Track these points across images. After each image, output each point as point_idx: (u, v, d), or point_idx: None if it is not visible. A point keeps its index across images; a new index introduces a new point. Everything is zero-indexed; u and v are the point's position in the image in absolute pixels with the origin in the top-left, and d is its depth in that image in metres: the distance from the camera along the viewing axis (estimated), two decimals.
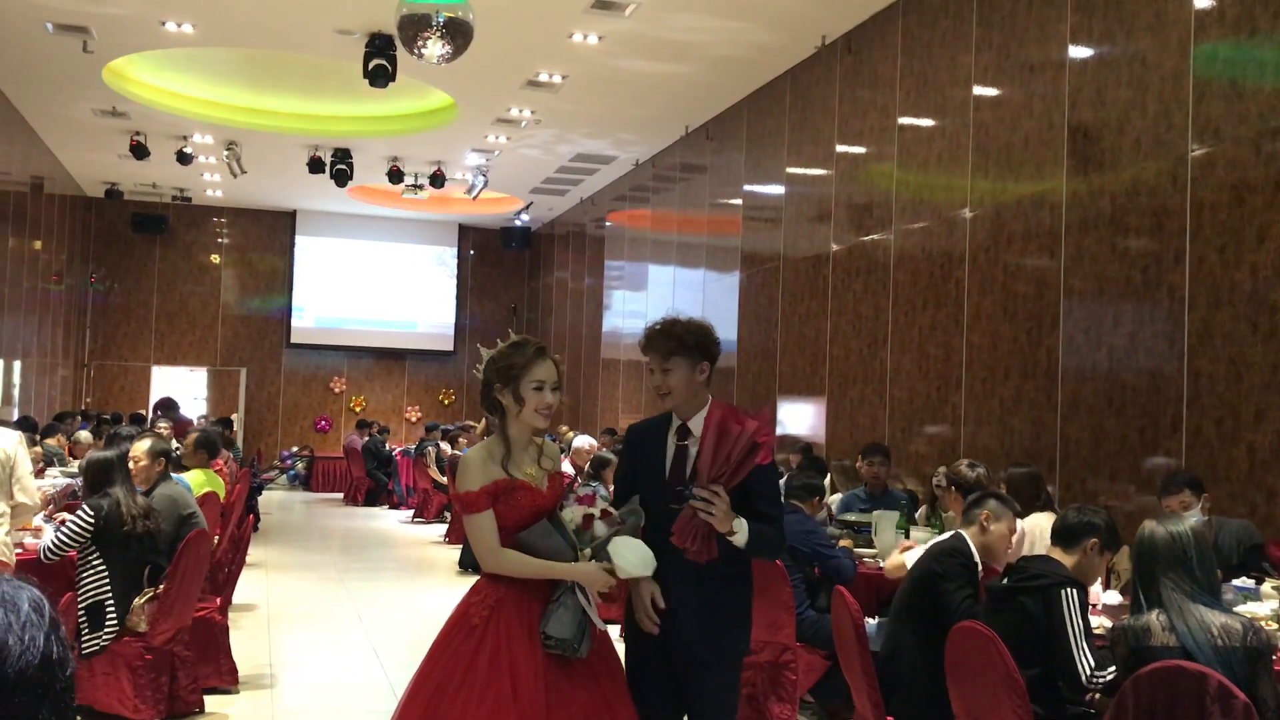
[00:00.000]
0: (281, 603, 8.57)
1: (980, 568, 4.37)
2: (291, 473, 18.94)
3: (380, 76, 9.55)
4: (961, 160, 7.67)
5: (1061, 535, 3.87)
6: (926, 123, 8.15)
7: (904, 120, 8.42)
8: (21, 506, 5.05)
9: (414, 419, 19.83)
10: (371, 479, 16.72)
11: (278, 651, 6.97)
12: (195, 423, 12.97)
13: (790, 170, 10.25)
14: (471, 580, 3.33)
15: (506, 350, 3.32)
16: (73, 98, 12.18)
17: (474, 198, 15.49)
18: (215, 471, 7.82)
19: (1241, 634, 3.23)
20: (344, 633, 7.64)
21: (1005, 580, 3.88)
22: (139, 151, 13.61)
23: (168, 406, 12.85)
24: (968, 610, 4.02)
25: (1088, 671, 3.51)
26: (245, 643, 6.93)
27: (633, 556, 3.12)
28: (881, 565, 5.86)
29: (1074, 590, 3.65)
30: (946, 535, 4.56)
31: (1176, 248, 5.84)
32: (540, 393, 3.26)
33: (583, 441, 9.79)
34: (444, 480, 13.78)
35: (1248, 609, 3.95)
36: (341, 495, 17.56)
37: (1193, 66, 5.80)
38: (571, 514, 3.23)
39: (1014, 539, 4.55)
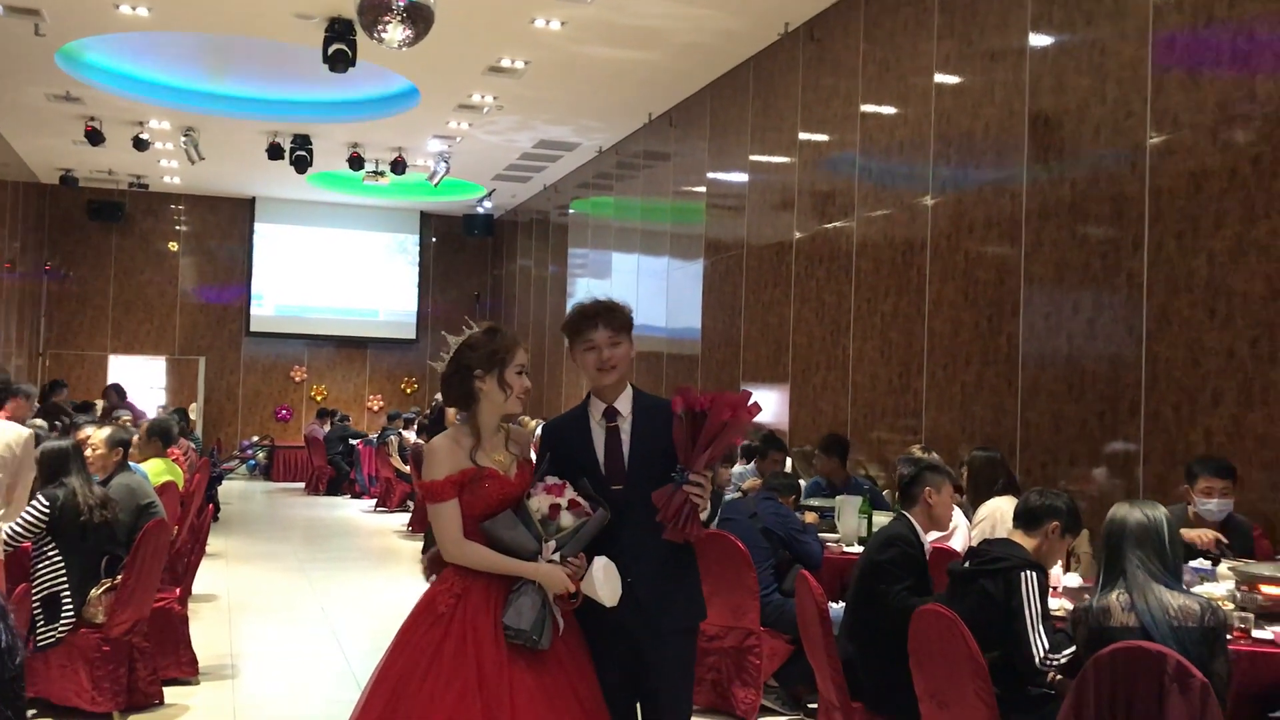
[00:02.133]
0: (242, 593, 8.50)
1: (928, 546, 4.41)
2: (252, 462, 18.77)
3: (340, 61, 9.44)
4: (923, 148, 7.70)
5: (1023, 518, 3.90)
6: (889, 110, 8.18)
7: (866, 108, 8.44)
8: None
9: (376, 408, 19.70)
10: (334, 466, 16.60)
11: (239, 642, 6.91)
12: (145, 413, 12.82)
13: (754, 158, 10.25)
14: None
15: (483, 337, 3.30)
16: (25, 82, 11.95)
17: (435, 184, 15.38)
18: (173, 461, 7.72)
19: (1199, 614, 3.27)
20: (306, 623, 7.58)
21: (966, 563, 3.91)
22: (94, 137, 13.38)
23: (119, 393, 12.67)
24: (903, 602, 4.06)
25: (1041, 653, 3.55)
26: (206, 633, 6.86)
27: (609, 587, 3.11)
28: (845, 549, 5.91)
29: (1034, 573, 3.68)
30: (890, 520, 4.60)
31: (1135, 235, 5.90)
32: (521, 377, 3.30)
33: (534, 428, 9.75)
34: (406, 469, 13.71)
35: (1204, 589, 4.00)
36: (303, 485, 17.43)
37: (1151, 55, 5.85)
38: (538, 503, 3.20)
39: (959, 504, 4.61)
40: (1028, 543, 3.83)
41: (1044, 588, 3.69)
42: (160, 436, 7.58)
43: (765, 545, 5.61)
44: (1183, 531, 4.62)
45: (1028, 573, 3.67)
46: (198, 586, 8.20)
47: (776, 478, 6.19)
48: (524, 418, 11.21)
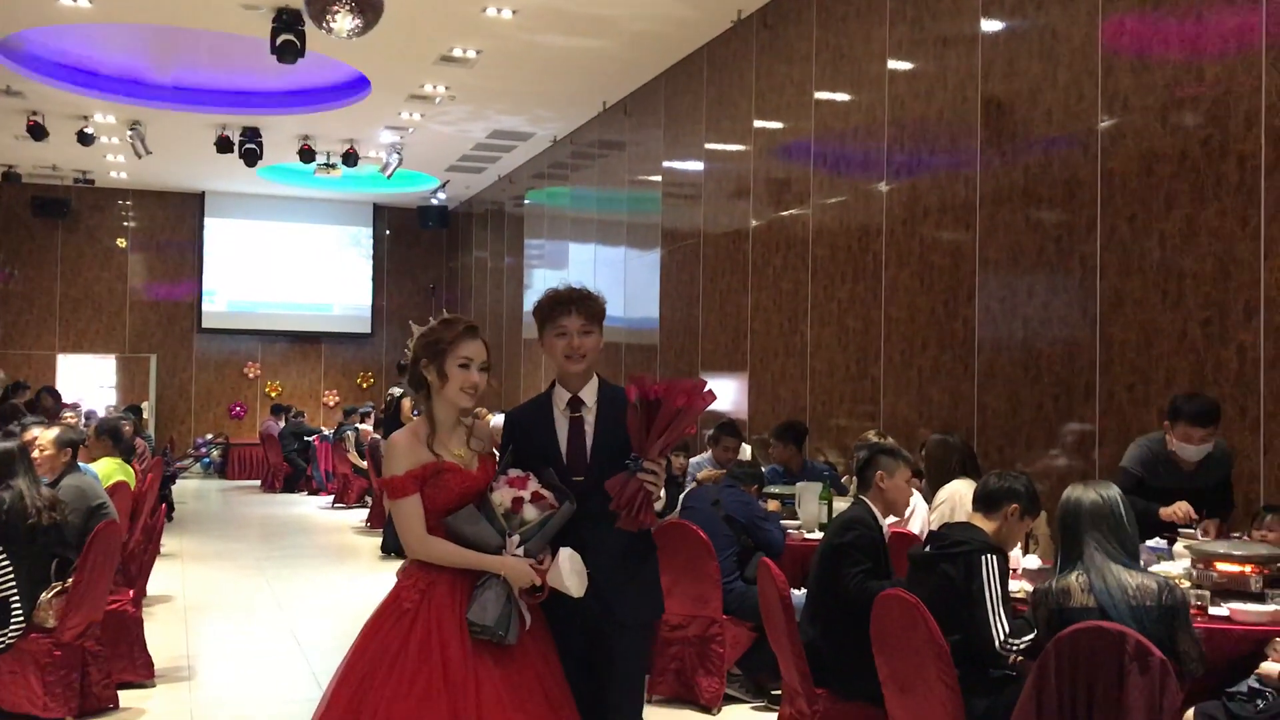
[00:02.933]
0: (198, 593, 8.38)
1: (886, 529, 4.43)
2: (206, 460, 18.53)
3: (289, 53, 9.31)
4: (878, 134, 7.72)
5: (982, 501, 3.91)
6: (843, 97, 8.19)
7: (820, 95, 8.45)
8: None
9: (332, 403, 19.51)
10: (290, 464, 16.43)
11: (195, 643, 6.81)
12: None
13: (709, 146, 10.24)
14: (394, 565, 3.26)
15: (436, 327, 3.26)
16: None
17: (388, 176, 15.24)
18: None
19: (1157, 593, 3.30)
20: (264, 621, 7.49)
21: (927, 548, 3.92)
22: (37, 132, 13.12)
23: (54, 395, 12.42)
24: (859, 585, 4.07)
25: (1001, 637, 3.56)
26: (161, 635, 6.76)
27: (576, 578, 3.08)
28: (806, 536, 5.92)
29: (993, 557, 3.69)
30: (849, 504, 4.61)
31: (1088, 218, 5.94)
32: (466, 370, 3.19)
33: (499, 420, 9.68)
34: (364, 464, 13.59)
35: (1161, 568, 4.04)
36: (259, 482, 17.24)
37: (1101, 38, 5.89)
38: (501, 497, 3.16)
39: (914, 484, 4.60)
40: (987, 525, 3.85)
41: (1004, 571, 3.71)
42: (110, 435, 7.45)
43: (728, 533, 5.61)
44: (1161, 511, 4.65)
45: (988, 556, 3.68)
46: (153, 588, 8.07)
47: (740, 466, 6.19)
48: (480, 410, 11.16)
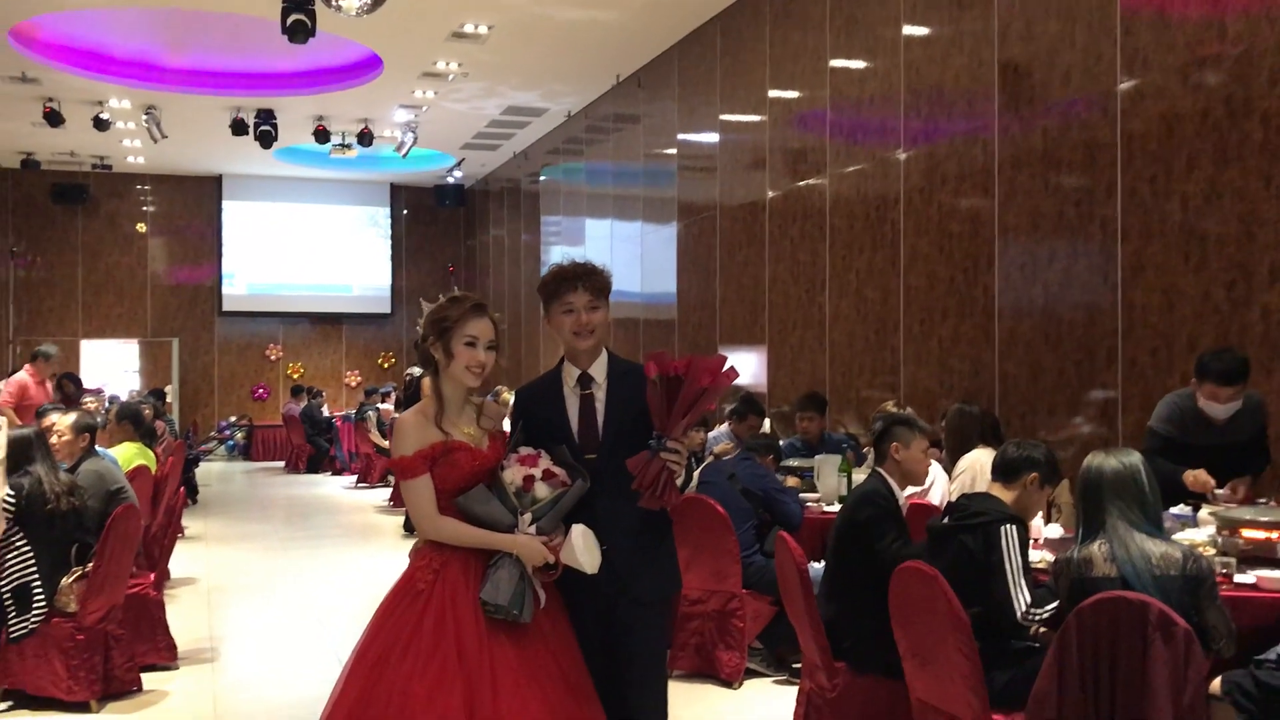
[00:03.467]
0: (222, 575, 8.42)
1: (904, 500, 4.37)
2: (230, 443, 18.64)
3: (299, 32, 9.24)
4: (894, 101, 7.61)
5: (1001, 470, 3.85)
6: (858, 64, 8.08)
7: (835, 63, 8.34)
8: None
9: (354, 383, 19.57)
10: (312, 445, 16.50)
11: (218, 625, 6.84)
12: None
13: (724, 117, 10.14)
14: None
15: (443, 304, 3.22)
16: None
17: (404, 155, 15.20)
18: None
19: (1181, 562, 3.24)
20: (287, 603, 7.52)
21: (946, 519, 3.87)
22: (53, 119, 13.15)
23: (75, 383, 12.50)
24: (899, 553, 4.01)
25: (1022, 608, 3.51)
26: (184, 617, 6.80)
27: (589, 554, 3.04)
28: (825, 509, 5.88)
29: (1013, 527, 3.64)
30: (865, 477, 4.55)
31: (1108, 181, 5.84)
32: (472, 349, 3.15)
33: (508, 397, 9.67)
34: (386, 445, 13.63)
35: (1185, 536, 3.98)
36: (283, 463, 17.33)
37: None
38: (512, 475, 3.12)
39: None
40: (1006, 495, 3.79)
41: (1024, 541, 3.65)
42: (130, 420, 7.47)
43: (745, 506, 5.57)
44: (1185, 477, 4.57)
45: (1007, 527, 3.63)
46: (176, 570, 8.13)
47: (756, 438, 6.14)
48: (501, 389, 11.15)
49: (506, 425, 3.36)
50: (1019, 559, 3.57)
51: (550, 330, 3.31)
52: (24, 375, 9.53)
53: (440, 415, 3.15)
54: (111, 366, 18.50)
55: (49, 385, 9.87)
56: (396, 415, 13.00)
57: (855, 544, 4.19)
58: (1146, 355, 5.62)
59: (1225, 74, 5.22)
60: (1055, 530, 4.78)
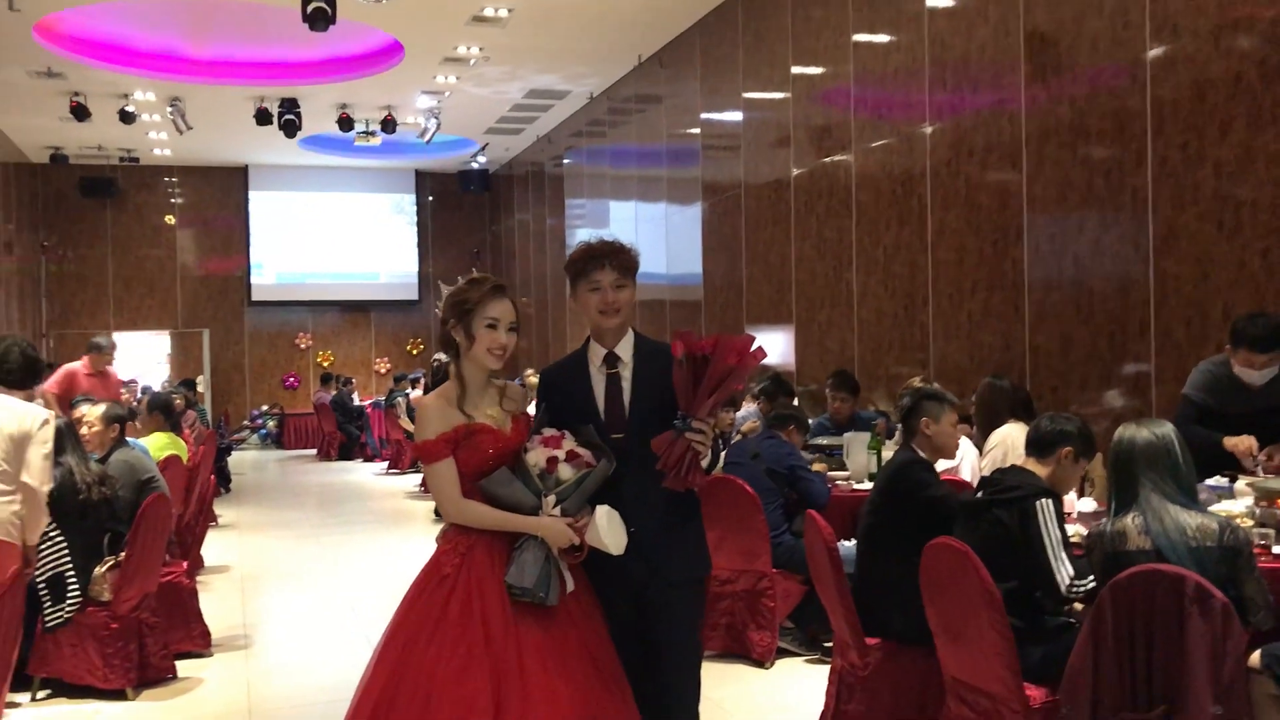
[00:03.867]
0: (255, 563, 8.48)
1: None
2: (263, 431, 18.78)
3: (320, 20, 9.24)
4: (919, 74, 7.52)
5: (1035, 445, 3.80)
6: (882, 38, 7.98)
7: (859, 37, 8.24)
8: (26, 489, 4.42)
9: (383, 370, 19.65)
10: (343, 433, 16.59)
11: (251, 612, 6.89)
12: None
13: (747, 95, 10.06)
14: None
15: (463, 287, 3.19)
16: (4, 60, 11.77)
17: (427, 141, 15.20)
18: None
19: (1218, 534, 3.18)
20: (319, 589, 7.56)
21: (980, 493, 3.83)
22: (79, 113, 13.24)
23: None
24: (955, 500, 3.97)
25: (1067, 580, 3.46)
26: (218, 605, 6.85)
27: (614, 535, 3.01)
28: (855, 487, 5.83)
29: (1048, 501, 3.59)
30: (893, 452, 4.51)
31: (1138, 150, 5.74)
32: (493, 331, 3.12)
33: (535, 380, 9.63)
34: None
35: (1222, 508, 3.91)
36: (314, 451, 17.44)
37: None
38: (535, 457, 3.10)
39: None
40: (1041, 470, 3.74)
41: (1060, 515, 3.61)
42: (161, 410, 7.52)
43: (771, 486, 5.53)
44: (1225, 441, 4.47)
45: (1043, 501, 3.58)
46: (210, 558, 8.20)
47: (776, 410, 6.06)
48: (528, 371, 11.14)
49: (532, 409, 3.33)
50: (1057, 532, 3.53)
51: (576, 308, 3.28)
52: (76, 365, 9.47)
53: (462, 398, 3.14)
54: (143, 358, 18.64)
55: (113, 378, 9.81)
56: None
57: (897, 511, 4.14)
58: (1180, 326, 5.53)
59: (1258, 37, 5.11)
60: (1089, 504, 4.72)
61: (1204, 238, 5.39)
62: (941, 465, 4.63)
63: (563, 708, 2.89)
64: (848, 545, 4.77)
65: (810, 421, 7.06)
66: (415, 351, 19.96)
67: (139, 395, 11.20)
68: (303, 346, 19.65)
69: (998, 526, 3.64)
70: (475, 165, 18.38)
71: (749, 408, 7.60)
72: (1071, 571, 3.48)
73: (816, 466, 6.06)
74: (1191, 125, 5.44)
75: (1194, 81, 5.42)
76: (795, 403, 7.56)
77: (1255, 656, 3.21)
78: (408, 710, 2.89)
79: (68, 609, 4.98)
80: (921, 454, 4.26)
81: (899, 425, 6.68)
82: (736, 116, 10.26)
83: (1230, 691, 2.93)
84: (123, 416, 5.91)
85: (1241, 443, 4.45)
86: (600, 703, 2.97)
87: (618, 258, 3.19)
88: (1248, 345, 4.46)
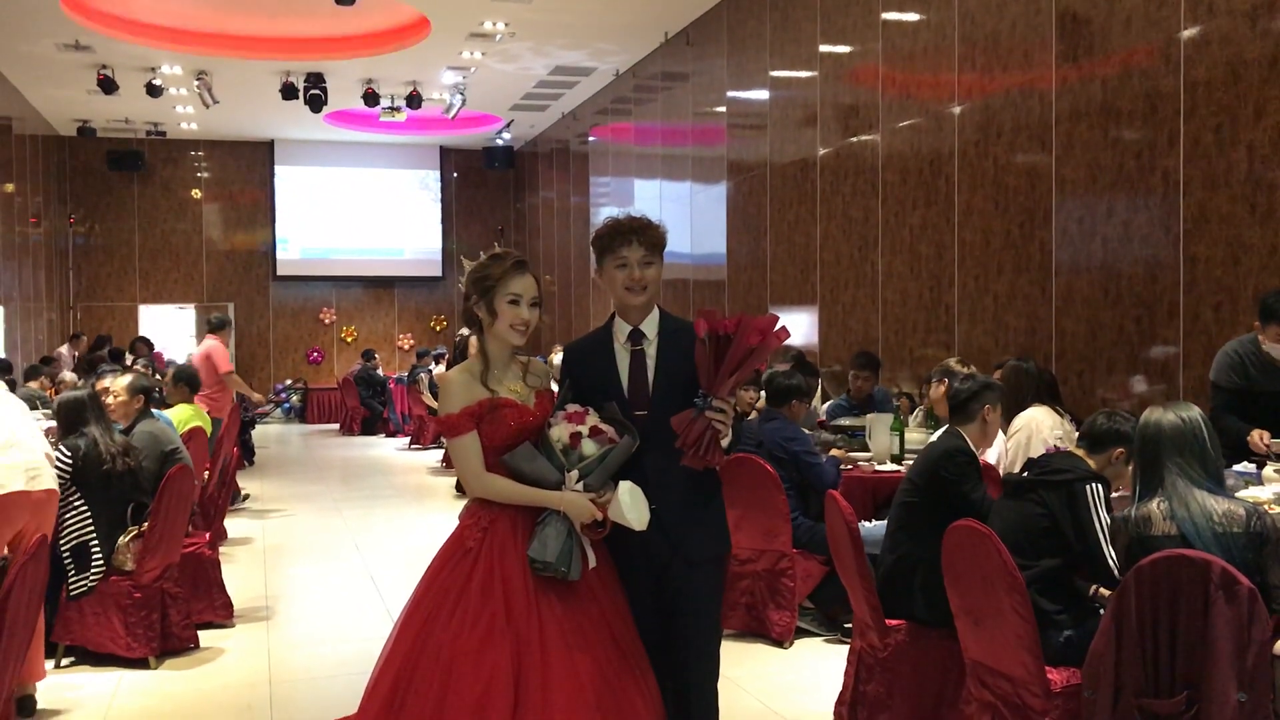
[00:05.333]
0: (278, 535, 8.53)
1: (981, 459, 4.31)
2: (286, 405, 18.88)
3: None
4: (948, 53, 7.44)
5: (1088, 439, 3.78)
6: (911, 16, 7.90)
7: (888, 15, 8.16)
8: None
9: (406, 346, 19.70)
10: (366, 408, 16.66)
11: (274, 584, 6.93)
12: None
13: (774, 74, 9.99)
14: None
15: (485, 262, 3.17)
16: (33, 33, 11.83)
17: (452, 117, 15.17)
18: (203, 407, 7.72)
19: (1245, 519, 3.14)
20: (341, 562, 7.60)
21: (1025, 473, 3.80)
22: (107, 86, 13.28)
23: (148, 345, 12.82)
24: (989, 505, 3.95)
25: (1118, 564, 3.44)
26: (241, 576, 6.90)
27: (637, 510, 2.99)
28: (878, 468, 5.80)
29: (1098, 486, 3.58)
30: (940, 433, 4.47)
31: (1170, 131, 5.66)
32: (516, 307, 3.11)
33: (559, 358, 9.62)
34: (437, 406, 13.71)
35: (1249, 494, 3.86)
36: (338, 426, 17.53)
37: None
38: (559, 432, 3.09)
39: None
40: (1091, 463, 3.73)
41: (1108, 501, 3.60)
42: (186, 382, 7.56)
43: (780, 471, 5.45)
44: (1250, 438, 4.44)
45: (1092, 485, 3.57)
46: (233, 530, 8.26)
47: (774, 389, 5.79)
48: (557, 347, 11.13)
49: (555, 386, 3.32)
50: (1105, 517, 3.52)
51: (601, 284, 3.26)
52: (213, 343, 9.94)
53: (486, 373, 3.13)
54: (169, 331, 18.76)
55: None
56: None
57: (935, 499, 4.12)
58: (1209, 310, 5.47)
59: None
60: (1116, 490, 4.68)
61: (1236, 221, 5.31)
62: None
63: (582, 682, 2.89)
64: (868, 526, 4.74)
65: (829, 403, 7.02)
66: (439, 328, 20.00)
67: (165, 368, 11.25)
68: (326, 322, 19.72)
69: (1041, 506, 3.63)
70: (500, 142, 18.35)
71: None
72: (1117, 559, 3.46)
73: (834, 452, 6.00)
74: (1225, 107, 5.36)
75: (1228, 62, 5.34)
76: (819, 382, 7.51)
77: None
78: (428, 683, 2.90)
79: (91, 578, 5.02)
80: (969, 440, 4.23)
81: (920, 406, 6.67)
82: (763, 95, 10.20)
83: (1255, 678, 2.90)
84: (148, 388, 5.94)
85: (1258, 438, 4.43)
86: (620, 678, 2.97)
87: (646, 234, 3.17)
88: None
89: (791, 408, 5.73)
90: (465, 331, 11.32)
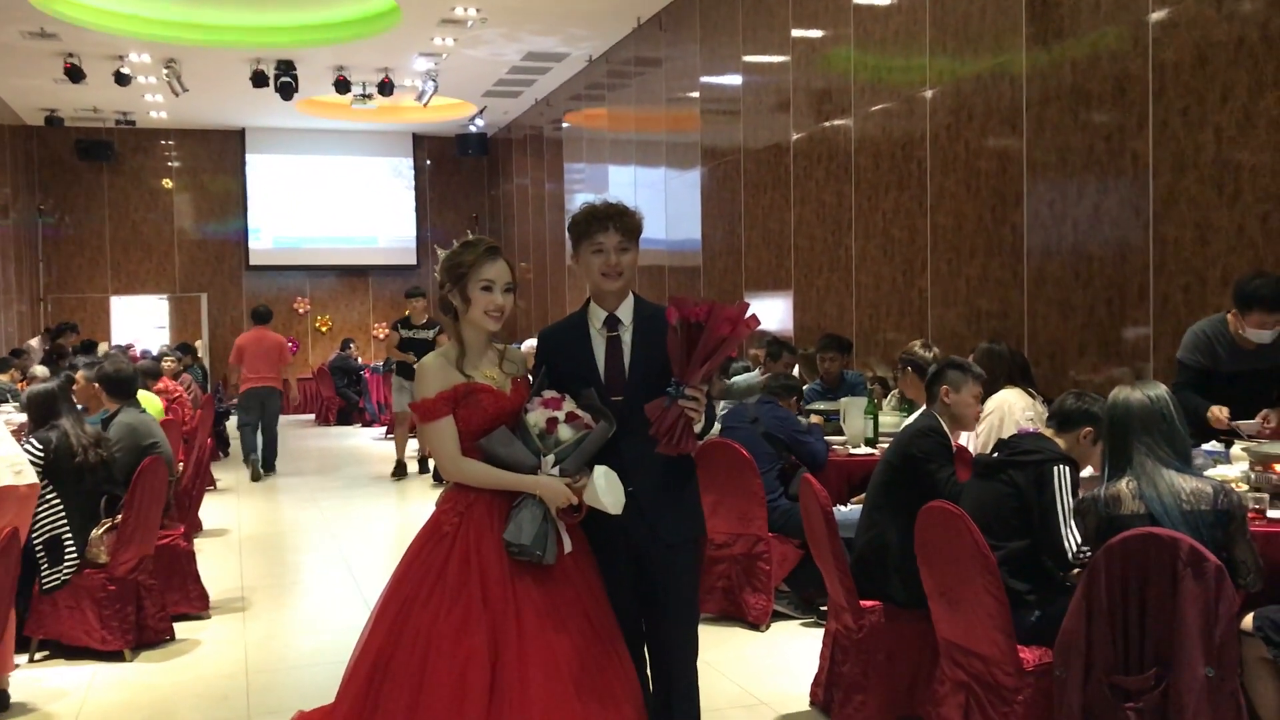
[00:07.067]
0: (253, 526, 8.50)
1: (953, 442, 4.32)
2: None
3: None
4: (920, 37, 7.46)
5: (1057, 418, 3.81)
6: (882, 1, 7.91)
7: (859, 0, 8.17)
8: None
9: (381, 335, 19.61)
10: (341, 397, 16.59)
11: (250, 574, 6.91)
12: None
13: (747, 59, 9.98)
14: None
15: (458, 249, 3.18)
16: None
17: (424, 104, 15.09)
18: (164, 392, 7.66)
19: (1212, 497, 3.18)
20: (317, 551, 7.59)
21: (996, 454, 3.83)
22: (74, 74, 13.13)
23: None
24: (955, 487, 3.97)
25: (1073, 548, 3.49)
26: (216, 568, 6.87)
27: (612, 494, 3.01)
28: (852, 452, 5.84)
29: (1066, 468, 3.61)
30: (917, 415, 4.50)
31: (1139, 114, 5.70)
32: (489, 293, 3.12)
33: (530, 344, 9.61)
34: None
35: (1218, 472, 3.91)
36: (313, 416, 17.44)
37: None
38: (535, 418, 3.10)
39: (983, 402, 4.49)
40: (1060, 443, 3.76)
41: (1075, 483, 3.63)
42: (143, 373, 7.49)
43: (769, 450, 5.54)
44: (1209, 412, 4.50)
45: (1060, 467, 3.61)
46: (208, 521, 8.22)
47: (777, 379, 6.08)
48: (531, 341, 11.11)
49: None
50: (1071, 500, 3.55)
51: (577, 270, 3.27)
52: (273, 335, 11.07)
53: (462, 359, 3.14)
54: (141, 322, 18.63)
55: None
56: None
57: (907, 478, 4.14)
58: (1179, 291, 5.52)
59: (1262, 1, 5.06)
60: (1085, 470, 4.72)
61: (1204, 203, 5.36)
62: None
63: (559, 664, 2.91)
64: (843, 510, 4.77)
65: (804, 388, 7.07)
66: None
67: (138, 358, 11.18)
68: (301, 311, 19.60)
69: (1011, 487, 3.67)
70: (473, 129, 18.27)
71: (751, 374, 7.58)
72: (1078, 539, 3.50)
73: (814, 419, 6.10)
74: (1193, 89, 5.40)
75: (1195, 44, 5.38)
76: (795, 369, 7.56)
77: (1248, 619, 3.22)
78: (405, 668, 2.91)
79: (65, 571, 4.99)
80: (942, 421, 4.25)
81: (895, 389, 6.71)
82: (736, 80, 10.19)
83: (1222, 654, 2.95)
84: (109, 377, 5.87)
85: (1215, 414, 4.48)
86: (597, 660, 2.99)
87: (622, 220, 3.18)
88: (1262, 306, 4.45)
89: (790, 403, 5.88)
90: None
